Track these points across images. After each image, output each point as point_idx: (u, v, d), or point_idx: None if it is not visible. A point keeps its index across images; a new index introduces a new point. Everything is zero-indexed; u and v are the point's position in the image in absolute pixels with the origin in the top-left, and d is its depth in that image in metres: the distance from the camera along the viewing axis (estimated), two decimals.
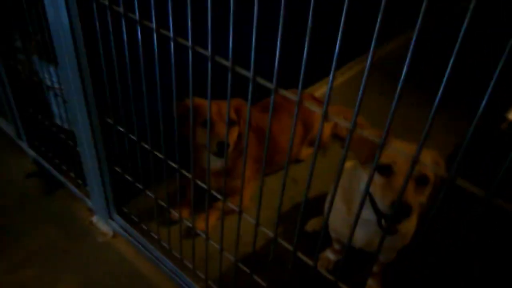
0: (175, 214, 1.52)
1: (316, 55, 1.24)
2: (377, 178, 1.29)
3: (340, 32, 0.71)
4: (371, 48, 0.68)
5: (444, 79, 0.63)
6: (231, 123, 1.90)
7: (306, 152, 2.46)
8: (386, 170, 1.28)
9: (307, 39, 0.77)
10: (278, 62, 0.84)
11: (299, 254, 1.08)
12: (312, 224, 2.01)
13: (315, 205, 1.95)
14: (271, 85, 0.86)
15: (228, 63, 0.91)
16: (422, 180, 1.28)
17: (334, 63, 0.75)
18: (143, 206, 1.82)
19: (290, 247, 1.08)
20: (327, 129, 2.48)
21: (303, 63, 0.80)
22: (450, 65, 0.62)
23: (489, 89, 0.60)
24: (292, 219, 2.04)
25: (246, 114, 1.95)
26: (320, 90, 3.05)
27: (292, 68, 1.34)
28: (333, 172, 1.74)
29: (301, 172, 2.31)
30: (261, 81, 0.89)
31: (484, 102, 0.62)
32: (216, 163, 1.99)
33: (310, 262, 1.06)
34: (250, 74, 0.88)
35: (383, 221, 1.34)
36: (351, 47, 2.54)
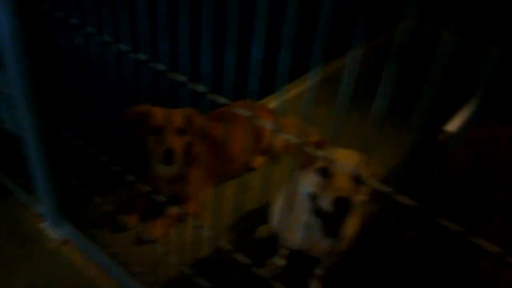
0: (122, 220, 1.54)
1: (271, 68, 1.30)
2: (318, 180, 1.37)
3: (283, 50, 0.76)
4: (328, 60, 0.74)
5: (381, 94, 0.69)
6: (180, 131, 1.92)
7: (259, 160, 2.52)
8: (325, 172, 1.36)
9: (255, 53, 0.82)
10: (229, 76, 0.89)
11: (253, 269, 1.11)
12: (262, 231, 2.06)
13: (266, 213, 2.01)
14: (224, 99, 0.91)
15: (184, 79, 0.95)
16: (358, 179, 1.36)
17: (279, 78, 0.80)
18: (92, 212, 1.83)
19: (244, 260, 1.11)
20: (279, 139, 2.55)
21: (252, 76, 0.84)
22: (383, 80, 0.68)
23: (424, 104, 0.65)
24: (243, 226, 2.09)
25: (199, 122, 1.99)
26: (276, 100, 3.13)
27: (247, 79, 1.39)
28: (286, 179, 1.81)
29: (253, 180, 2.37)
30: (214, 97, 0.93)
31: (417, 118, 0.67)
32: (166, 171, 2.01)
33: (261, 273, 1.10)
34: (204, 89, 0.93)
35: (320, 221, 1.39)
36: (305, 61, 2.63)
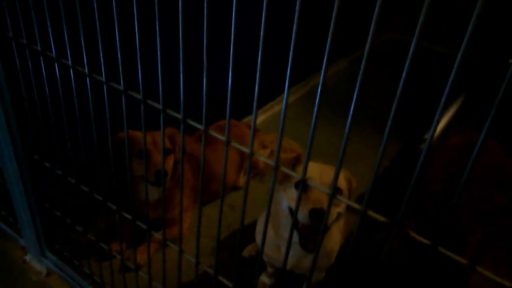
0: (105, 248, 1.53)
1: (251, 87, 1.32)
2: (295, 193, 1.38)
3: (258, 68, 0.77)
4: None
5: (352, 106, 0.70)
6: (166, 152, 1.94)
7: (244, 179, 2.53)
8: (301, 186, 1.38)
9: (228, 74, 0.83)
10: (206, 104, 0.90)
11: None
12: (249, 250, 2.06)
13: (252, 231, 2.01)
14: (200, 126, 0.92)
15: (160, 106, 0.96)
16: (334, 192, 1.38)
17: (255, 98, 0.81)
18: (75, 242, 1.81)
19: (229, 284, 1.11)
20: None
21: (228, 98, 0.85)
22: (355, 93, 0.69)
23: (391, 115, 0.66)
24: (229, 246, 2.08)
25: (181, 142, 2.00)
26: (260, 117, 3.16)
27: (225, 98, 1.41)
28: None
29: (238, 199, 2.37)
30: (191, 123, 0.94)
31: (387, 128, 0.68)
32: (153, 194, 2.01)
33: None
34: (180, 116, 0.94)
35: (297, 235, 1.40)
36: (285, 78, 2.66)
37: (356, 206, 0.76)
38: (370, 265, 1.97)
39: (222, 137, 0.90)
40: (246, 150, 0.90)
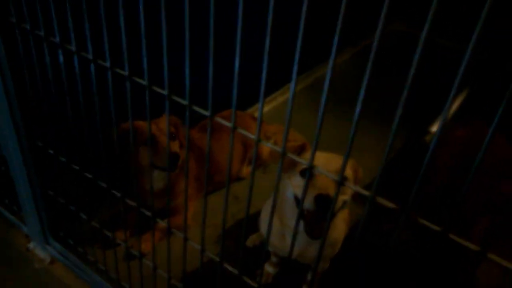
0: (110, 236, 1.53)
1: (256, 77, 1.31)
2: (300, 181, 1.38)
3: (265, 58, 0.76)
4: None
5: (361, 96, 0.69)
6: (172, 137, 1.93)
7: (247, 170, 2.52)
8: (307, 173, 1.38)
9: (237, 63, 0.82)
10: (212, 90, 0.89)
11: (244, 279, 1.11)
12: (252, 240, 2.06)
13: (255, 221, 2.01)
14: (206, 112, 0.91)
15: (165, 92, 0.95)
16: (340, 180, 1.37)
17: (262, 87, 0.80)
18: (79, 229, 1.81)
19: (234, 271, 1.11)
20: (266, 147, 2.56)
21: (235, 88, 0.84)
22: (364, 84, 0.68)
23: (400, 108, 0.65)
24: (234, 236, 2.08)
25: (184, 131, 1.99)
26: (264, 108, 3.14)
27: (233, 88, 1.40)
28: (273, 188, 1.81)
29: (242, 189, 2.37)
30: (197, 109, 0.93)
31: (396, 121, 0.67)
32: (158, 183, 2.01)
33: (252, 282, 1.10)
34: (186, 102, 0.93)
35: (302, 224, 1.40)
36: (289, 68, 2.65)
37: (365, 192, 0.75)
38: (377, 254, 1.97)
39: (228, 124, 0.89)
40: (252, 136, 0.89)
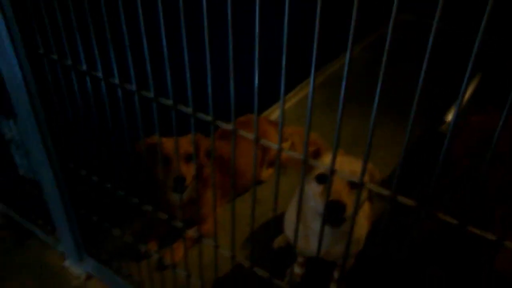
0: (142, 248, 1.59)
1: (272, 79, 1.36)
2: (316, 186, 1.42)
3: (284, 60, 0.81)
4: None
5: (377, 92, 0.74)
6: (188, 158, 1.97)
7: (267, 172, 2.57)
8: (323, 179, 1.43)
9: (256, 70, 0.88)
10: (234, 109, 0.95)
11: (274, 281, 1.16)
12: (278, 242, 2.11)
13: (279, 224, 2.05)
14: (229, 127, 0.97)
15: (189, 111, 1.01)
16: (355, 183, 1.42)
17: (282, 87, 0.85)
18: (112, 244, 1.88)
19: (263, 274, 1.16)
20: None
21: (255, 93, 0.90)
22: (380, 80, 0.72)
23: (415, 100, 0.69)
24: (259, 239, 2.13)
25: (205, 145, 2.05)
26: (276, 112, 3.19)
27: (247, 94, 1.45)
28: (293, 190, 1.86)
29: (263, 192, 2.42)
30: (220, 123, 0.99)
31: (412, 113, 0.71)
32: (179, 197, 2.07)
33: (282, 284, 1.15)
34: (210, 118, 0.99)
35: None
36: (301, 69, 2.69)
37: (385, 192, 0.80)
38: (399, 249, 2.00)
39: (250, 135, 0.95)
40: (274, 146, 0.94)
